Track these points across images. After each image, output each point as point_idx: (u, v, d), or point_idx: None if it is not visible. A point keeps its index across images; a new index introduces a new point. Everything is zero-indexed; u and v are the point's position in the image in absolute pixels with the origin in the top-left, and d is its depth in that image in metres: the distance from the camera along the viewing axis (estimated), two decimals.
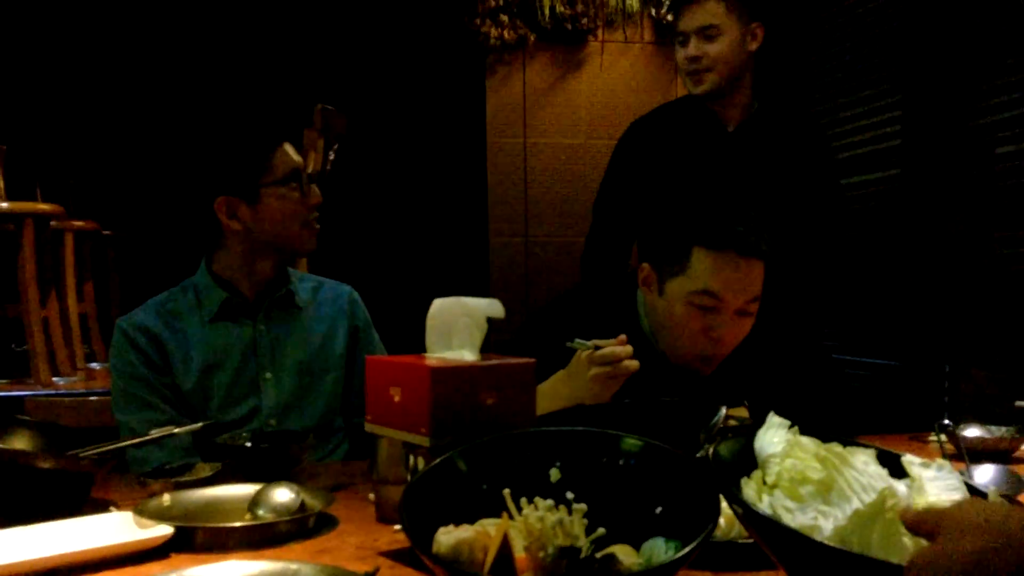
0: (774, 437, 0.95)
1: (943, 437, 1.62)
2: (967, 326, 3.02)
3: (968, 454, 1.60)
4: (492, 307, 1.13)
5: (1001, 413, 2.53)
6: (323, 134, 3.28)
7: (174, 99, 4.34)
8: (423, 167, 4.52)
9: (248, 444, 1.52)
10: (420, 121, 4.50)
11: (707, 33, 2.35)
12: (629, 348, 1.52)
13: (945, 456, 1.42)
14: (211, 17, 4.29)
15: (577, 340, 1.56)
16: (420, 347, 1.22)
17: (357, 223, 4.30)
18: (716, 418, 1.37)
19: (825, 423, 1.87)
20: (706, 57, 2.35)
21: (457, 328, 1.13)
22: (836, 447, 0.90)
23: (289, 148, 1.81)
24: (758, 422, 1.44)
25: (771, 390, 1.86)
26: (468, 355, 1.11)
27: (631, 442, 0.98)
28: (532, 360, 1.13)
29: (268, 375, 1.83)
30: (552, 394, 1.54)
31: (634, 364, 1.50)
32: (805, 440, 0.93)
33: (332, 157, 3.37)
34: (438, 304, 1.16)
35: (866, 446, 0.96)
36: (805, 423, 1.81)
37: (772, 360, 1.90)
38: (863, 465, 0.87)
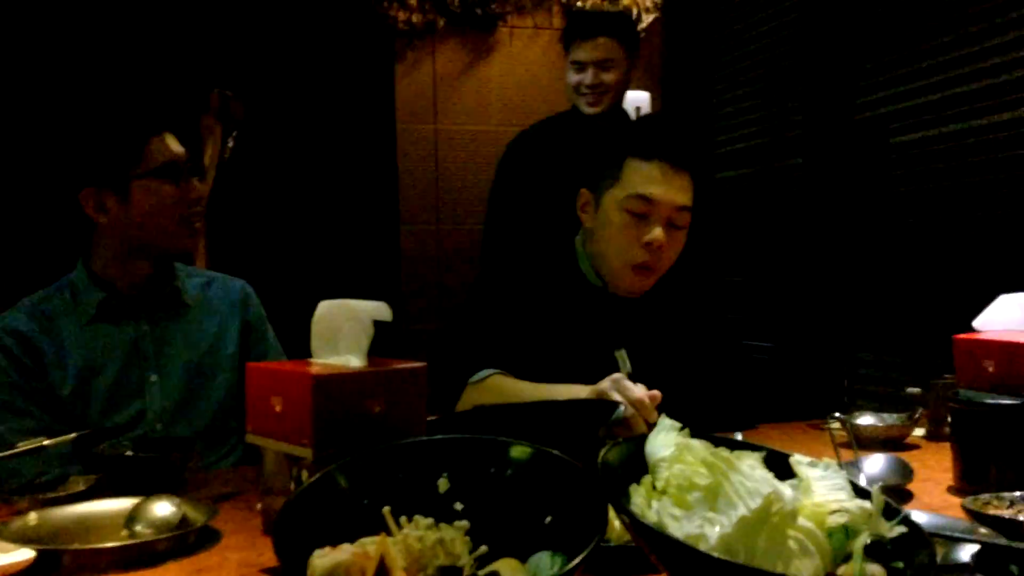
0: (664, 440, 0.94)
1: (836, 426, 1.64)
2: (866, 311, 3.09)
3: (862, 442, 1.63)
4: (379, 310, 1.09)
5: (898, 396, 2.59)
6: (220, 121, 3.19)
7: (47, 80, 4.11)
8: (330, 155, 4.42)
9: (130, 453, 1.45)
10: (326, 107, 4.40)
11: (605, 65, 2.80)
12: (649, 405, 1.48)
13: (838, 445, 1.45)
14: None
15: (622, 352, 1.67)
16: None
17: (260, 213, 4.19)
18: (616, 414, 1.36)
19: (730, 410, 1.91)
20: (603, 84, 2.81)
21: (343, 332, 1.09)
22: (724, 451, 0.89)
23: (168, 138, 1.72)
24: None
25: (682, 371, 1.88)
26: (354, 360, 1.07)
27: (520, 450, 0.96)
28: (423, 364, 1.10)
29: (153, 378, 1.75)
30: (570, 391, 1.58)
31: (640, 426, 1.46)
32: (695, 443, 0.92)
33: (231, 145, 3.27)
34: (323, 307, 1.12)
35: (755, 448, 0.95)
36: (711, 410, 1.84)
37: (680, 342, 1.92)
38: (750, 469, 0.86)
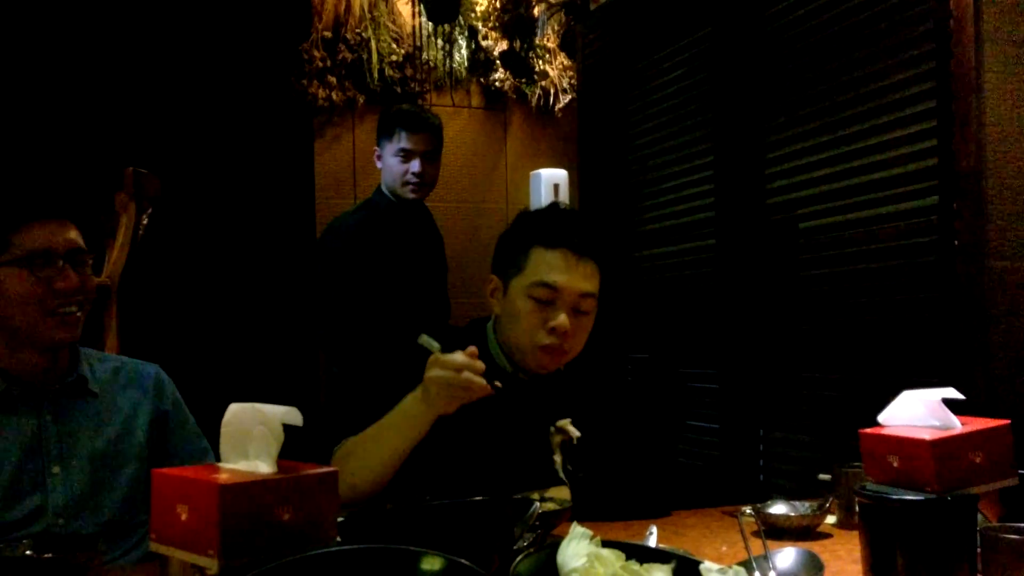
0: (576, 550, 0.94)
1: (749, 516, 1.66)
2: (777, 391, 3.16)
3: (776, 532, 1.66)
4: (289, 415, 1.07)
5: (809, 478, 2.64)
6: (134, 198, 3.13)
7: None
8: (248, 230, 4.37)
9: (28, 553, 1.38)
10: (245, 183, 4.37)
11: (430, 156, 3.29)
12: (476, 363, 1.61)
13: (751, 535, 1.46)
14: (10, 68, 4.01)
15: (424, 336, 1.67)
16: None
17: (176, 291, 4.10)
18: (531, 511, 1.35)
19: (648, 496, 1.92)
20: (428, 174, 3.30)
21: (253, 436, 1.07)
22: (634, 564, 0.89)
23: (36, 229, 1.66)
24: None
25: (595, 460, 1.89)
26: (263, 466, 1.05)
27: (430, 562, 0.94)
28: (334, 470, 1.09)
29: (56, 470, 1.69)
30: (403, 408, 1.68)
31: (477, 381, 1.59)
32: (606, 553, 0.92)
33: (145, 222, 3.21)
34: (232, 410, 1.10)
35: (666, 557, 0.96)
36: (628, 497, 1.85)
37: (595, 429, 1.94)
38: None
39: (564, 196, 4.46)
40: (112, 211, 3.10)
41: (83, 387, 1.77)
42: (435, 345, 1.66)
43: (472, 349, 1.63)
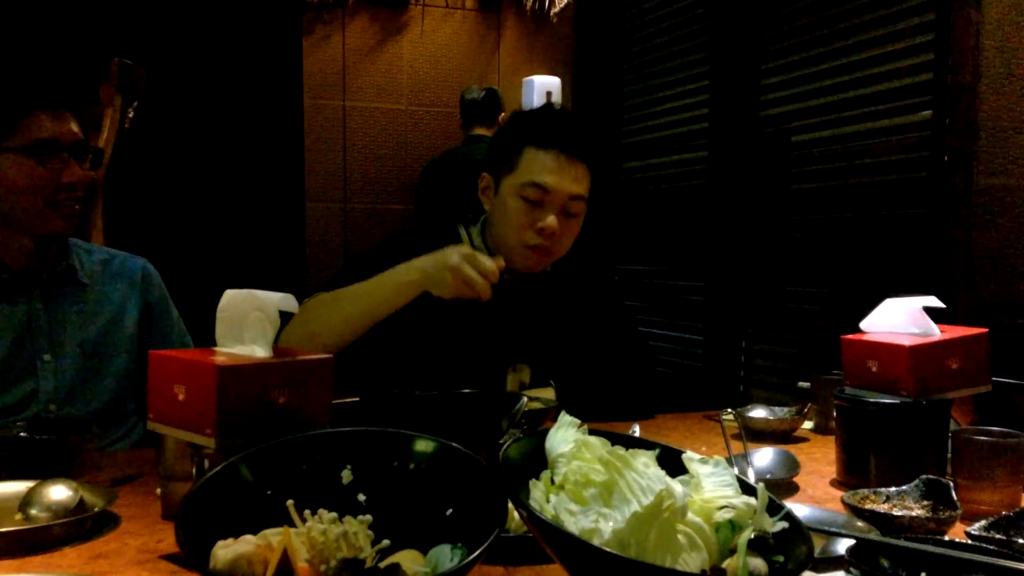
0: (564, 436, 0.97)
1: (729, 419, 1.71)
2: (763, 306, 3.20)
3: (753, 435, 1.71)
4: (285, 301, 1.09)
5: (790, 388, 2.69)
6: (120, 90, 3.08)
7: None
8: (235, 128, 4.33)
9: (23, 435, 1.42)
10: (232, 79, 4.30)
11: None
12: (496, 272, 1.61)
13: (731, 437, 1.50)
14: None
15: (463, 227, 1.73)
16: None
17: (162, 186, 4.08)
18: (518, 405, 1.39)
19: (629, 398, 1.96)
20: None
21: (249, 322, 1.09)
22: (620, 449, 0.92)
23: (46, 117, 1.65)
24: (561, 406, 1.51)
25: (580, 363, 1.92)
26: (260, 351, 1.07)
27: (423, 444, 0.97)
28: (329, 356, 1.11)
29: (47, 357, 1.71)
30: (405, 268, 1.67)
31: (487, 291, 1.60)
32: (592, 440, 0.95)
33: (131, 115, 3.17)
34: (229, 296, 1.11)
35: (650, 445, 0.99)
36: (611, 398, 1.89)
37: (581, 331, 1.96)
38: (644, 467, 0.89)
39: (557, 103, 4.43)
40: (97, 103, 3.06)
41: (73, 276, 1.77)
42: (477, 242, 1.72)
43: (501, 261, 1.64)
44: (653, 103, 3.80)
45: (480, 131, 4.18)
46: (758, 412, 1.83)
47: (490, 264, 1.60)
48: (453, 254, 1.62)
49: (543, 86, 4.43)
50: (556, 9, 4.61)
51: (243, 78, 4.32)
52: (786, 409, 1.84)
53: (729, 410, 1.74)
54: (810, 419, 1.85)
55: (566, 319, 1.94)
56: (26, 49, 3.67)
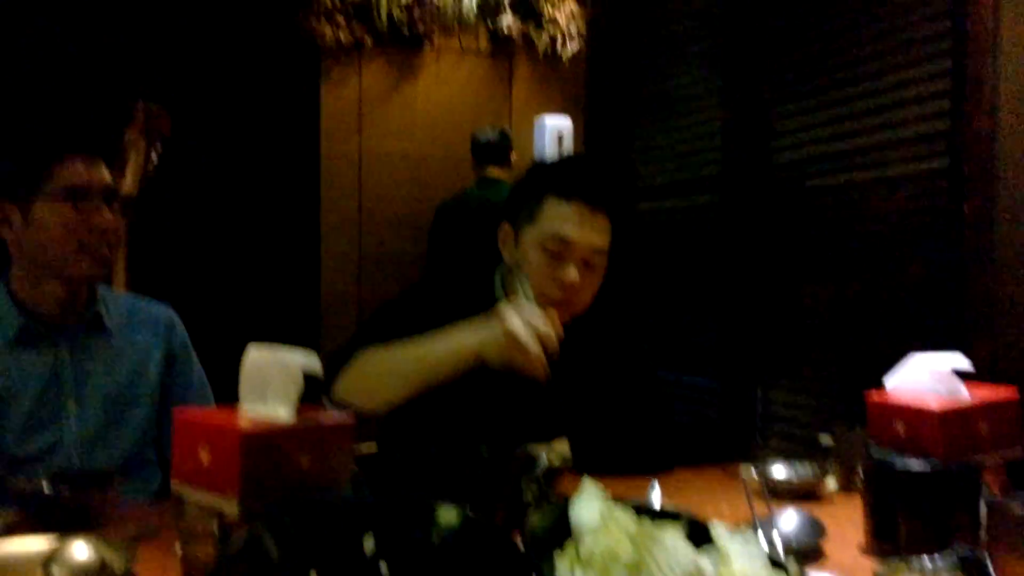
0: (589, 508, 0.95)
1: (752, 474, 1.68)
2: (778, 349, 3.18)
3: (775, 492, 1.68)
4: (309, 362, 1.08)
5: (807, 439, 2.66)
6: (145, 134, 3.12)
7: None
8: (253, 170, 4.37)
9: (47, 491, 1.40)
10: (251, 122, 4.35)
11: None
12: (553, 338, 1.53)
13: (752, 493, 1.48)
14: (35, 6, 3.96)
15: (523, 276, 1.67)
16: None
17: (182, 225, 4.11)
18: (537, 466, 1.37)
19: (648, 450, 1.93)
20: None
21: (272, 382, 1.08)
22: (647, 523, 0.91)
23: (79, 163, 1.68)
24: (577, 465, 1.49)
25: (597, 412, 1.90)
26: (283, 412, 1.06)
27: (448, 515, 0.96)
28: (351, 418, 1.10)
29: (72, 406, 1.71)
30: (461, 333, 1.59)
31: (539, 356, 1.51)
32: (619, 513, 0.94)
33: (155, 158, 3.21)
34: (253, 355, 1.11)
35: (676, 516, 0.98)
36: (630, 453, 1.86)
37: (598, 379, 1.94)
38: (672, 544, 0.88)
39: (568, 144, 4.45)
40: (121, 146, 3.10)
41: (99, 324, 1.78)
42: (529, 294, 1.64)
43: (556, 324, 1.55)
44: (666, 146, 3.80)
45: (493, 172, 4.19)
46: (780, 469, 1.80)
47: (546, 327, 1.52)
48: (510, 316, 1.53)
49: (555, 127, 4.45)
50: (568, 52, 4.65)
51: (261, 121, 4.36)
52: (808, 465, 1.81)
53: (751, 467, 1.71)
54: (833, 475, 1.82)
55: (585, 370, 1.92)
56: (57, 96, 3.72)
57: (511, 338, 1.51)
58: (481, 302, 1.79)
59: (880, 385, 1.52)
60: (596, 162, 2.05)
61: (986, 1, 2.25)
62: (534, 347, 1.50)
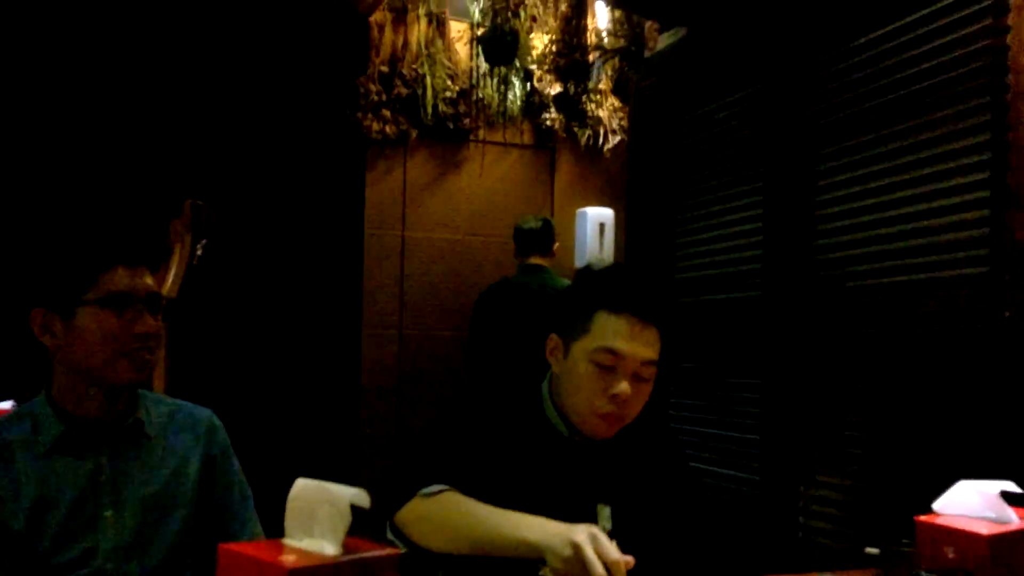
0: None
1: None
2: (820, 447, 3.14)
3: None
4: (358, 496, 1.09)
5: (849, 536, 2.61)
6: (191, 229, 3.20)
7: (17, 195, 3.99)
8: (297, 264, 4.45)
9: None
10: (296, 216, 4.45)
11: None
12: (621, 565, 1.43)
13: None
14: (79, 106, 4.10)
15: (603, 509, 1.75)
16: (284, 465, 1.15)
17: (224, 324, 4.18)
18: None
19: (701, 565, 1.91)
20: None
21: (319, 516, 1.09)
22: None
23: (123, 272, 1.72)
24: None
25: (653, 524, 1.88)
26: (329, 547, 1.07)
27: None
28: (397, 552, 1.10)
29: (108, 513, 1.71)
30: (528, 526, 1.54)
31: None
32: None
33: (200, 252, 3.28)
34: (300, 486, 1.12)
35: None
36: (672, 567, 1.84)
37: (646, 495, 1.92)
38: None
39: (610, 235, 4.49)
40: (166, 240, 3.17)
41: (140, 430, 1.80)
42: (608, 524, 1.73)
43: (630, 560, 1.45)
44: (707, 241, 3.82)
45: (536, 260, 4.24)
46: None
47: (615, 555, 1.43)
48: (581, 532, 1.46)
49: (596, 218, 4.50)
50: (609, 145, 4.72)
51: (308, 211, 4.46)
52: None
53: None
54: None
55: (634, 483, 1.91)
56: (103, 201, 3.83)
57: (576, 547, 1.43)
58: (532, 417, 1.81)
59: (923, 490, 1.51)
60: (645, 274, 2.07)
61: None
62: (592, 556, 1.41)
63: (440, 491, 1.69)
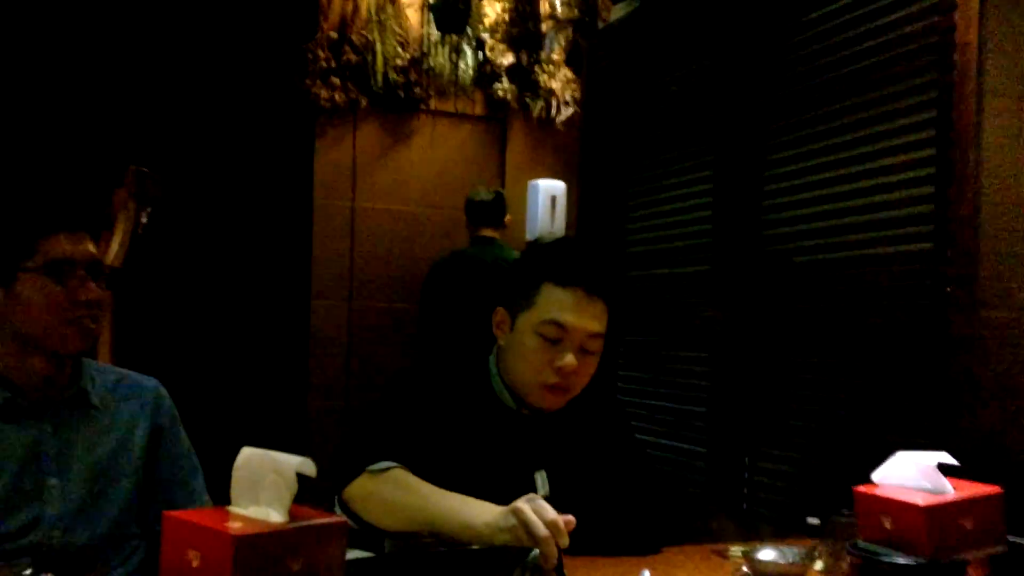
0: None
1: (737, 554, 1.70)
2: (765, 418, 3.19)
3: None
4: (303, 465, 1.09)
5: (794, 506, 2.66)
6: (135, 197, 3.13)
7: None
8: (244, 232, 4.39)
9: (28, 572, 1.39)
10: (244, 183, 4.38)
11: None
12: (563, 529, 1.44)
13: None
14: (21, 71, 3.98)
15: (543, 473, 1.74)
16: (232, 435, 1.14)
17: (170, 293, 4.11)
18: (530, 557, 1.38)
19: (637, 530, 1.93)
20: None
21: (265, 484, 1.09)
22: None
23: (64, 238, 1.68)
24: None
25: (588, 493, 1.90)
26: (275, 515, 1.07)
27: None
28: (343, 520, 1.10)
29: (53, 482, 1.68)
30: (466, 509, 1.55)
31: (552, 552, 1.42)
32: None
33: (144, 220, 3.21)
34: (246, 455, 1.11)
35: None
36: (620, 532, 1.87)
37: (592, 463, 1.94)
38: None
39: (561, 208, 4.48)
40: (110, 208, 3.10)
41: (84, 399, 1.77)
42: (545, 490, 1.69)
43: (571, 519, 1.46)
44: (658, 215, 3.85)
45: (487, 232, 4.22)
46: (767, 553, 1.80)
47: (553, 514, 1.44)
48: (520, 500, 1.48)
49: (548, 190, 4.49)
50: (562, 117, 4.70)
51: (255, 180, 4.39)
52: (795, 550, 1.82)
53: (737, 551, 1.72)
54: (820, 559, 1.83)
55: (576, 451, 1.93)
56: (44, 168, 3.74)
57: (516, 512, 1.46)
58: (479, 390, 1.81)
59: (864, 461, 1.54)
60: (593, 248, 2.06)
61: (969, 93, 2.32)
62: (532, 516, 1.43)
63: (388, 468, 1.68)
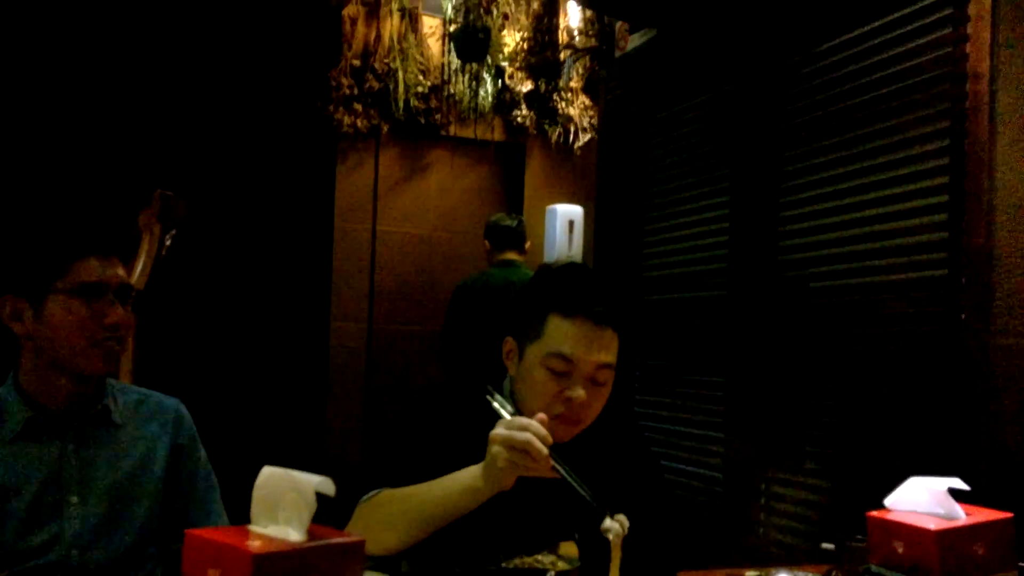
0: None
1: None
2: (782, 444, 3.19)
3: None
4: (323, 484, 1.11)
5: (810, 532, 2.66)
6: (160, 220, 3.17)
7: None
8: (266, 256, 4.44)
9: None
10: (267, 203, 4.44)
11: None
12: (542, 429, 1.53)
13: None
14: (53, 97, 4.06)
15: (499, 398, 1.65)
16: (252, 455, 1.16)
17: (192, 313, 4.16)
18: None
19: (656, 555, 1.93)
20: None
21: (284, 503, 1.11)
22: None
23: (96, 262, 1.72)
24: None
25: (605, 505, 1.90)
26: (294, 534, 1.09)
27: None
28: (361, 539, 1.13)
29: (74, 500, 1.71)
30: (460, 478, 1.59)
31: (536, 445, 1.51)
32: None
33: (168, 243, 3.26)
34: (266, 474, 1.14)
35: None
36: (638, 554, 1.87)
37: (607, 479, 1.94)
38: None
39: (579, 233, 4.52)
40: (135, 230, 3.14)
41: (106, 418, 1.79)
42: (508, 408, 1.62)
43: (542, 416, 1.55)
44: (674, 239, 3.87)
45: (511, 256, 4.25)
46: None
47: (526, 419, 1.53)
48: (494, 431, 1.54)
49: (566, 214, 4.53)
50: (579, 143, 4.75)
51: (278, 204, 4.45)
52: (810, 574, 1.82)
53: (753, 574, 1.73)
54: None
55: (595, 479, 1.92)
56: (74, 192, 3.80)
57: (502, 443, 1.52)
58: (492, 416, 1.81)
59: (879, 486, 1.55)
60: (600, 276, 2.00)
61: (982, 123, 2.34)
62: (524, 438, 1.50)
63: (374, 494, 1.68)
